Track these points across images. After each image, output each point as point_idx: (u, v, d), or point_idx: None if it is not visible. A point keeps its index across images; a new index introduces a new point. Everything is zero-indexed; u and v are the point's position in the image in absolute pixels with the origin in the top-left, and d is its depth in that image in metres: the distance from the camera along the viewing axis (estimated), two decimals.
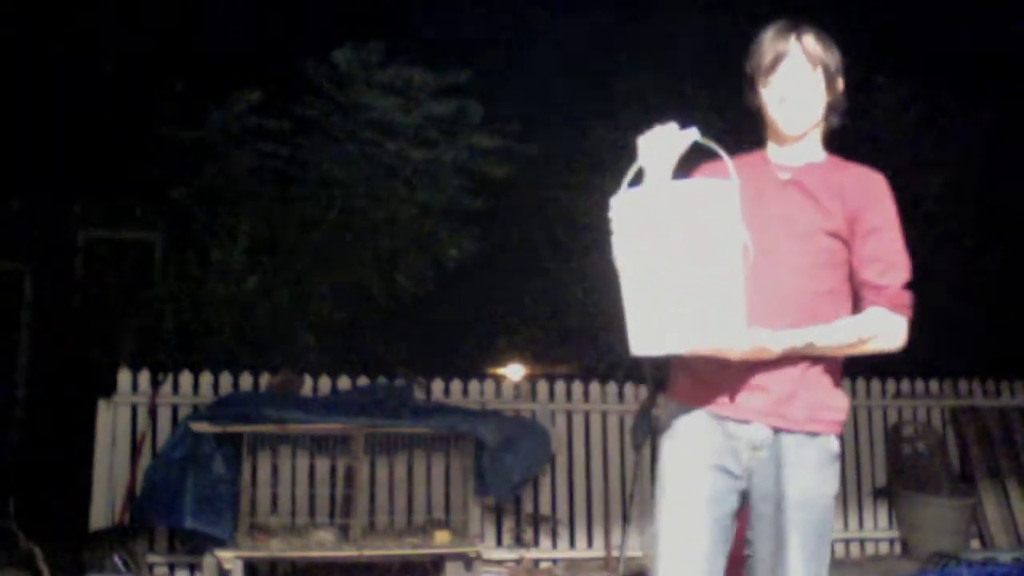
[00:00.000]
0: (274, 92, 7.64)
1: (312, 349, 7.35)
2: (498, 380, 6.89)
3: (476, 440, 5.88)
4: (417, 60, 7.88)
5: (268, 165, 7.89)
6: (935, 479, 6.99)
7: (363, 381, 6.40)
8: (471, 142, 8.08)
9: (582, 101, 8.93)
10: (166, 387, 6.07)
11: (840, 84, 2.39)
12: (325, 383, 6.33)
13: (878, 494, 7.08)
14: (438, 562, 5.65)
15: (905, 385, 7.34)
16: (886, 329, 2.28)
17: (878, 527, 7.07)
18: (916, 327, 2.33)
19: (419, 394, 6.39)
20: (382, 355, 7.57)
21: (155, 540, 5.83)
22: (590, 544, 6.53)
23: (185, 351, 7.10)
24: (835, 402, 2.31)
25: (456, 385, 6.55)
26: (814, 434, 2.27)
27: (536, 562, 6.41)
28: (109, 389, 6.02)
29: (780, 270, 2.26)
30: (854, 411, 6.93)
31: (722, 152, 2.23)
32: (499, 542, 6.36)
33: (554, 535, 6.48)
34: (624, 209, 2.22)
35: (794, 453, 2.26)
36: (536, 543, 6.42)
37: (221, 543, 5.38)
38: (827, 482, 2.29)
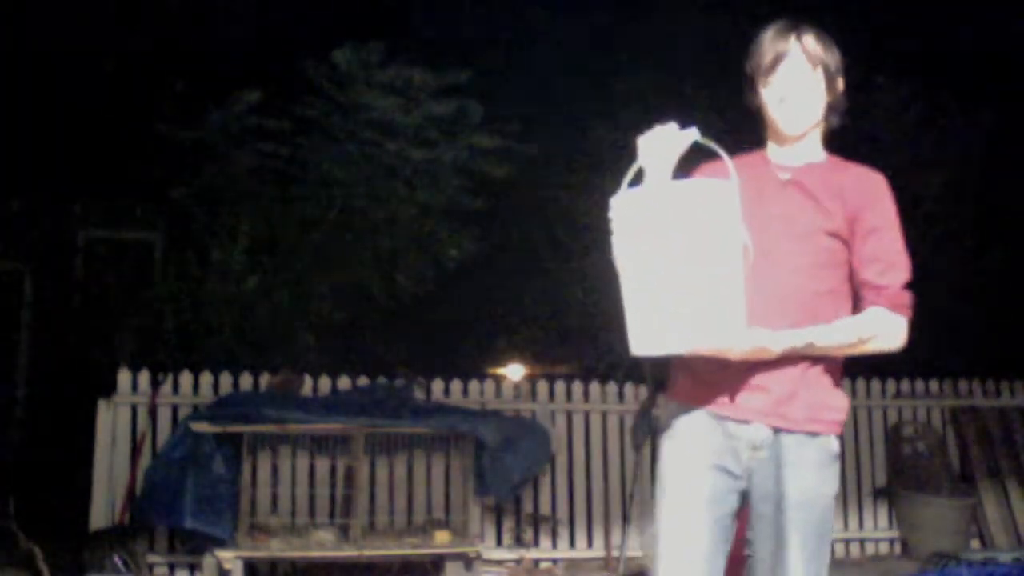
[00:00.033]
0: (274, 92, 7.64)
1: (312, 349, 7.35)
2: (498, 380, 6.89)
3: (476, 440, 5.88)
4: (417, 60, 7.88)
5: (268, 165, 7.89)
6: (935, 479, 6.99)
7: (363, 381, 6.40)
8: (471, 142, 8.08)
9: (582, 101, 8.93)
10: (166, 387, 6.08)
11: (840, 84, 2.39)
12: (325, 383, 6.33)
13: (878, 494, 7.08)
14: (438, 562, 5.65)
15: (905, 385, 7.34)
16: (886, 329, 2.28)
17: (878, 527, 7.07)
18: (916, 327, 2.33)
19: (419, 394, 6.39)
20: (382, 355, 7.57)
21: (155, 540, 5.84)
22: (590, 544, 6.53)
23: (185, 351, 7.10)
24: (835, 402, 2.31)
25: (456, 385, 6.55)
26: (814, 434, 2.27)
27: (536, 562, 6.41)
28: (109, 389, 6.02)
29: (780, 270, 2.26)
30: (854, 411, 6.93)
31: (722, 152, 2.23)
32: (499, 542, 6.36)
33: (554, 535, 6.48)
34: (624, 209, 2.22)
35: (794, 453, 2.26)
36: (536, 543, 6.42)
37: (221, 543, 5.38)
38: (827, 482, 2.29)
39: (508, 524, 6.42)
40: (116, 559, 5.43)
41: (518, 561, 6.34)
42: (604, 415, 6.70)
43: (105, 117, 8.08)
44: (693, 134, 2.25)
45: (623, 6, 9.05)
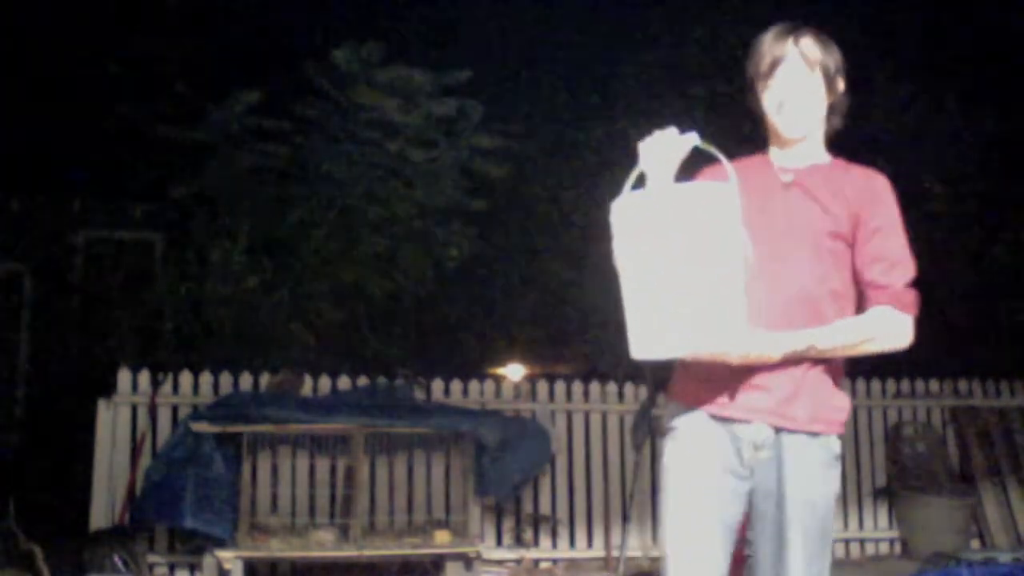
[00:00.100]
0: (274, 92, 7.65)
1: (312, 349, 7.35)
2: (498, 380, 6.89)
3: (476, 440, 5.88)
4: (417, 60, 7.88)
5: (268, 165, 7.89)
6: (935, 479, 6.99)
7: (363, 381, 6.40)
8: (471, 142, 8.08)
9: (582, 101, 8.94)
10: (166, 387, 6.08)
11: (841, 85, 2.39)
12: (325, 383, 6.33)
13: (878, 494, 7.08)
14: (438, 562, 5.65)
15: (905, 385, 7.35)
16: (891, 328, 2.28)
17: (878, 527, 7.07)
18: (917, 327, 2.33)
19: (419, 394, 6.39)
20: (382, 355, 7.57)
21: (155, 540, 5.83)
22: (590, 544, 6.53)
23: (185, 351, 7.10)
24: (837, 402, 2.31)
25: (456, 385, 6.55)
26: (816, 434, 2.27)
27: (536, 562, 6.41)
28: (109, 389, 6.02)
29: (783, 272, 2.26)
30: (854, 411, 6.93)
31: (721, 156, 2.23)
32: (499, 542, 6.36)
33: (554, 535, 6.48)
34: (625, 212, 2.22)
35: (796, 453, 2.25)
36: (536, 543, 6.42)
37: (221, 543, 5.38)
38: (829, 482, 2.29)
39: (508, 524, 6.42)
40: (116, 559, 5.42)
41: (518, 561, 6.34)
42: (604, 415, 6.70)
43: (105, 117, 8.08)
44: (693, 139, 2.25)
45: (623, 6, 9.05)
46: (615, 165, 7.57)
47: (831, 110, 2.39)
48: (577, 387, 6.72)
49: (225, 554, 5.29)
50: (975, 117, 8.38)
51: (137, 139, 7.80)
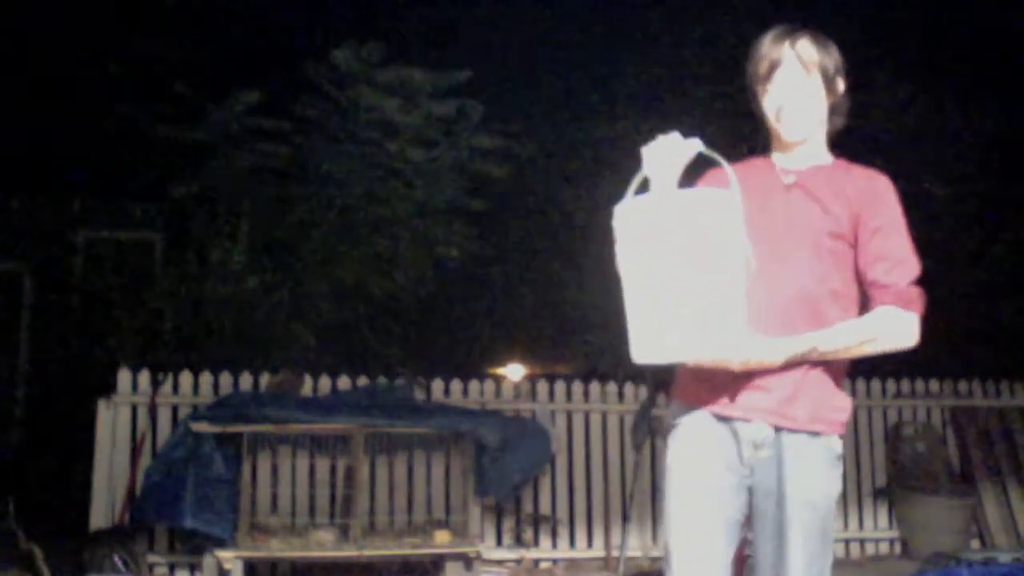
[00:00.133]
0: (274, 92, 7.65)
1: (312, 349, 7.35)
2: (498, 380, 6.89)
3: (476, 440, 5.88)
4: (417, 60, 7.88)
5: (268, 165, 7.90)
6: (935, 479, 6.99)
7: (363, 381, 6.40)
8: (471, 142, 8.09)
9: (582, 101, 8.94)
10: (166, 387, 6.07)
11: (841, 85, 2.39)
12: (325, 383, 6.33)
13: (878, 494, 7.08)
14: (438, 562, 5.65)
15: (905, 385, 7.35)
16: (895, 327, 2.27)
17: (878, 527, 7.07)
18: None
19: (419, 394, 6.39)
20: (382, 355, 7.57)
21: (155, 540, 5.84)
22: (590, 544, 6.53)
23: (185, 351, 7.10)
24: (838, 402, 2.31)
25: (456, 385, 6.55)
26: (816, 434, 2.27)
27: (536, 562, 6.41)
28: (109, 389, 6.02)
29: (785, 273, 2.26)
30: (854, 411, 6.89)
31: (723, 162, 2.23)
32: (499, 542, 6.36)
33: (554, 535, 6.48)
34: (628, 217, 2.22)
35: (797, 453, 2.25)
36: (536, 543, 6.42)
37: (221, 543, 5.38)
38: (830, 482, 2.29)
39: (508, 524, 6.42)
40: (116, 559, 5.42)
41: (518, 561, 6.34)
42: (604, 415, 6.70)
43: (105, 117, 8.08)
44: (696, 144, 2.25)
45: (623, 6, 9.05)
46: (615, 165, 7.58)
47: (832, 111, 2.39)
48: (577, 387, 6.72)
49: (225, 554, 5.29)
50: (975, 117, 8.38)
51: (137, 139, 7.80)
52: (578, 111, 8.89)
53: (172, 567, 5.86)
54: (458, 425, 5.89)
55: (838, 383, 2.33)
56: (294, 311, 7.47)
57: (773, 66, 2.33)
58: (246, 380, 6.22)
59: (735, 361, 2.16)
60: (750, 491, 2.29)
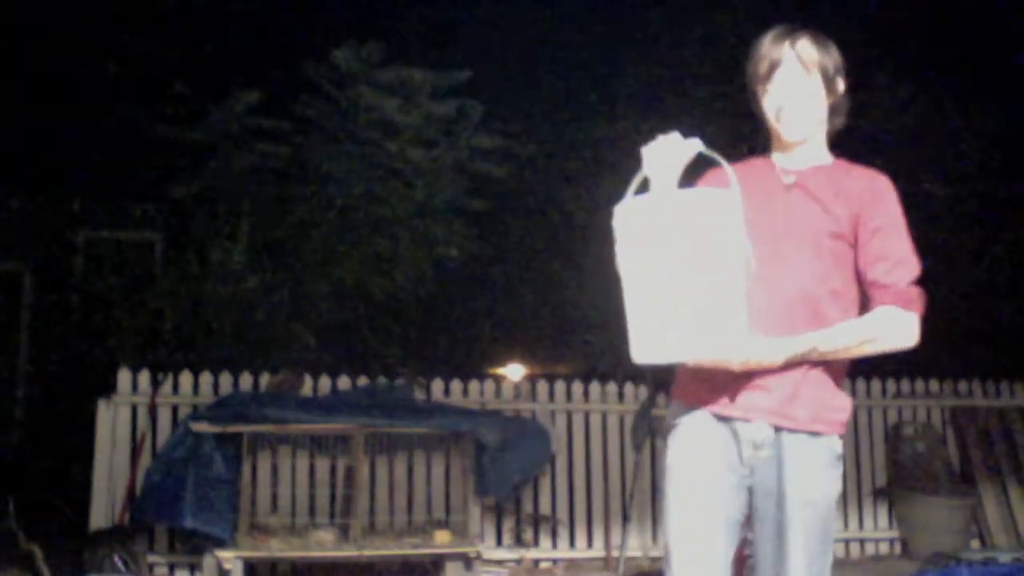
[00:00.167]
0: (274, 92, 7.65)
1: (312, 349, 7.35)
2: (498, 380, 6.89)
3: (476, 440, 5.88)
4: (417, 60, 7.88)
5: (268, 165, 7.90)
6: (935, 479, 6.98)
7: (363, 381, 6.40)
8: (471, 142, 8.09)
9: (582, 101, 8.94)
10: (166, 387, 6.07)
11: (841, 85, 2.39)
12: (325, 383, 6.33)
13: (878, 494, 7.08)
14: (438, 562, 5.65)
15: (905, 385, 7.35)
16: (895, 327, 2.27)
17: (878, 527, 7.07)
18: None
19: (419, 394, 6.39)
20: (382, 355, 7.57)
21: (155, 540, 5.84)
22: (590, 544, 6.53)
23: (185, 351, 7.10)
24: (838, 402, 2.31)
25: (456, 385, 6.55)
26: (817, 434, 2.27)
27: (536, 562, 6.41)
28: (109, 389, 6.02)
29: (784, 273, 2.26)
30: (854, 411, 6.90)
31: (724, 162, 2.23)
32: (499, 542, 6.36)
33: (554, 535, 6.48)
34: (628, 217, 2.23)
35: (797, 453, 2.25)
36: (536, 543, 6.42)
37: (221, 543, 5.38)
38: (830, 482, 2.29)
39: (508, 524, 6.42)
40: (116, 559, 5.42)
41: (518, 561, 6.34)
42: (604, 415, 6.70)
43: (105, 117, 8.08)
44: (696, 144, 2.25)
45: (623, 6, 9.05)
46: (615, 165, 7.58)
47: (832, 111, 2.39)
48: (577, 387, 6.72)
49: (225, 554, 5.29)
50: (975, 117, 8.38)
51: (137, 139, 7.80)
52: (578, 111, 8.89)
53: (172, 567, 5.85)
54: (458, 425, 5.89)
55: (838, 383, 2.33)
56: (294, 311, 7.47)
57: (773, 66, 2.33)
58: (246, 380, 6.21)
59: (735, 362, 2.16)
60: (750, 491, 2.29)
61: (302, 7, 8.82)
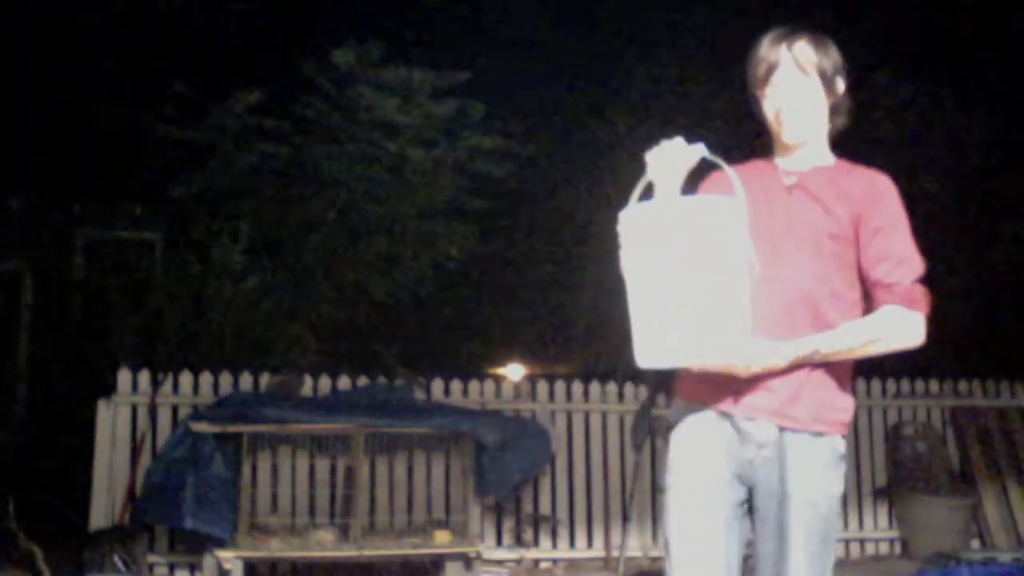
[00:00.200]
0: (274, 92, 7.64)
1: (312, 349, 7.35)
2: (498, 380, 6.89)
3: (476, 440, 5.88)
4: (417, 60, 7.87)
5: (268, 165, 7.89)
6: (935, 479, 6.99)
7: (363, 381, 6.40)
8: (471, 142, 8.08)
9: (582, 101, 8.94)
10: (166, 387, 6.07)
11: (841, 85, 2.38)
12: (325, 383, 6.33)
13: (878, 494, 7.08)
14: (438, 562, 5.65)
15: (905, 385, 7.35)
16: (899, 327, 2.27)
17: (878, 527, 7.07)
18: None
19: (419, 394, 6.39)
20: (382, 355, 7.57)
21: (155, 540, 5.84)
22: (590, 544, 6.53)
23: (185, 351, 7.10)
24: (840, 402, 2.31)
25: (456, 385, 6.55)
26: (819, 434, 2.27)
27: (536, 562, 6.41)
28: (109, 389, 6.02)
29: (786, 274, 2.26)
30: (854, 411, 6.91)
31: (727, 167, 2.23)
32: (499, 542, 6.36)
33: (554, 535, 6.48)
34: (632, 222, 2.23)
35: (799, 453, 2.25)
36: (536, 543, 6.42)
37: (221, 543, 5.38)
38: (832, 482, 2.29)
39: (508, 524, 6.42)
40: (116, 559, 5.42)
41: (518, 561, 6.34)
42: (604, 415, 6.70)
43: (105, 117, 8.08)
44: (700, 150, 2.25)
45: (623, 5, 9.05)
46: (615, 165, 7.58)
47: (833, 111, 2.39)
48: (577, 387, 6.72)
49: (225, 554, 5.29)
50: (975, 117, 8.38)
51: (137, 139, 7.79)
52: (578, 111, 8.89)
53: (172, 567, 5.86)
54: (458, 425, 5.89)
55: (843, 383, 2.32)
56: (294, 311, 7.47)
57: (771, 69, 2.33)
58: (246, 380, 6.21)
59: (739, 367, 2.17)
60: (752, 491, 2.29)
61: (302, 7, 8.81)
